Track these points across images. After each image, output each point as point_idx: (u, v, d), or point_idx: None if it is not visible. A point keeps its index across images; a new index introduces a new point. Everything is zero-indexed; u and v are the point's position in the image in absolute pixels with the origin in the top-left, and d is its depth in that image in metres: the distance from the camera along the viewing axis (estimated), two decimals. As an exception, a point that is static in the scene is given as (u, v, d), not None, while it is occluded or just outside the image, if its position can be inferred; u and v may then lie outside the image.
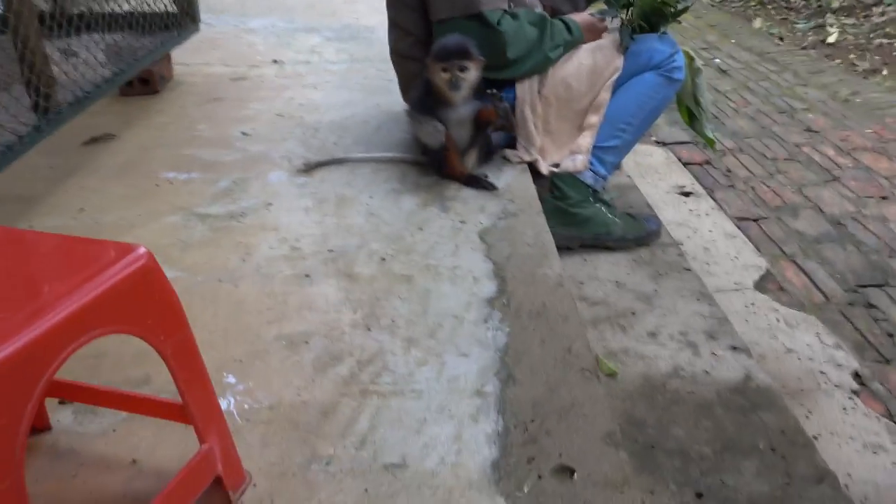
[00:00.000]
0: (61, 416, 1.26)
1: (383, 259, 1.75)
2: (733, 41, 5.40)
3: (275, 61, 3.36)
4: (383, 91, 2.90)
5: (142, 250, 0.95)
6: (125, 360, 1.39)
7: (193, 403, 1.03)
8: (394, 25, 2.30)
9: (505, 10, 2.07)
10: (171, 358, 0.99)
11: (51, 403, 1.28)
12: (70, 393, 1.23)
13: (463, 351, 1.43)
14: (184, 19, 2.94)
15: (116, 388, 1.22)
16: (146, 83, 2.83)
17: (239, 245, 1.82)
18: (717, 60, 4.94)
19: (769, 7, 6.26)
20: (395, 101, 2.69)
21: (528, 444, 1.21)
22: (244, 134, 2.51)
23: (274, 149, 2.38)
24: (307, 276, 1.69)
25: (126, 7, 2.86)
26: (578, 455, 1.20)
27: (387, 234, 1.87)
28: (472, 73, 1.98)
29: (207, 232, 1.88)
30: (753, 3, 6.42)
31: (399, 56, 2.32)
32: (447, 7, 2.05)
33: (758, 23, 5.85)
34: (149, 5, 2.88)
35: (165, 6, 2.92)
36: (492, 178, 2.13)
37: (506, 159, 2.26)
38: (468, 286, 1.65)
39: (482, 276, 1.69)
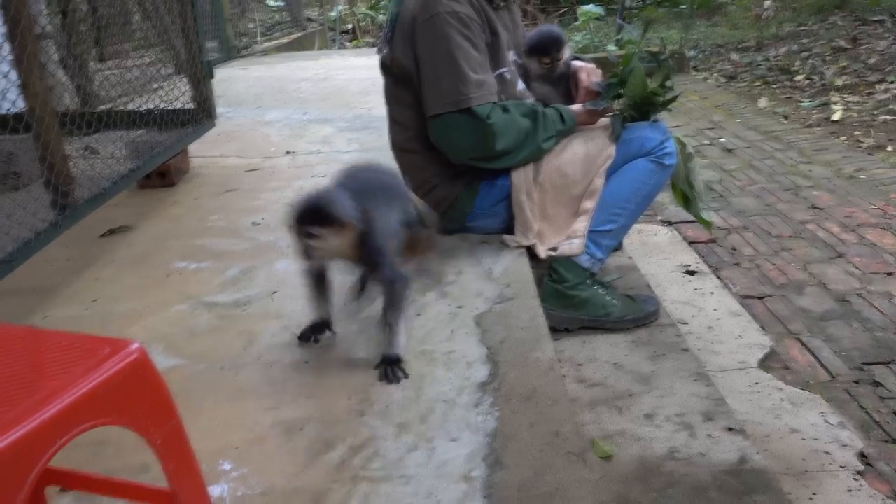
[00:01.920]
0: (61, 504, 1.31)
1: (380, 345, 1.80)
2: (739, 120, 5.52)
3: (288, 152, 3.51)
4: (390, 179, 3.00)
5: (134, 346, 1.02)
6: (125, 447, 1.43)
7: (182, 491, 1.07)
8: (392, 121, 2.43)
9: (495, 103, 2.18)
10: (160, 447, 1.03)
11: (52, 491, 1.32)
12: (69, 481, 1.27)
13: (453, 436, 1.46)
14: (201, 115, 3.10)
15: (113, 476, 1.26)
16: (163, 176, 2.97)
17: (242, 333, 1.88)
18: (723, 140, 5.04)
19: (774, 87, 6.41)
20: (400, 189, 2.80)
21: (512, 529, 1.23)
22: (254, 223, 2.61)
23: (282, 237, 2.47)
24: (306, 362, 1.74)
25: (148, 105, 3.04)
26: (563, 540, 1.21)
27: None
28: (331, 242, 1.58)
29: (213, 320, 1.95)
30: (759, 83, 6.57)
31: (399, 150, 2.43)
32: (437, 104, 2.16)
33: (763, 102, 5.98)
34: (162, 101, 3.05)
35: (184, 104, 3.09)
36: (488, 264, 2.19)
37: (504, 244, 2.32)
38: (462, 371, 1.69)
39: (476, 360, 1.73)
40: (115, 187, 2.31)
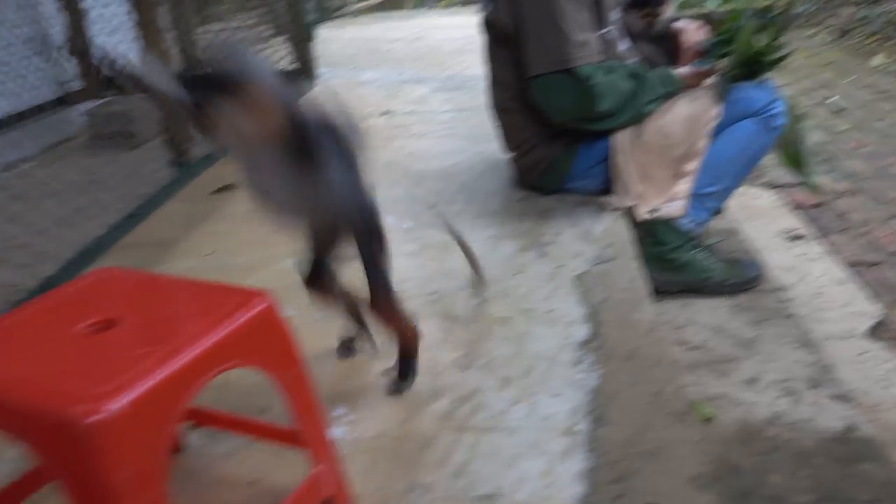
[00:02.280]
0: (192, 439, 1.41)
1: (482, 302, 1.84)
2: (850, 79, 5.23)
3: (384, 112, 3.56)
4: (487, 139, 3.01)
5: (265, 296, 1.09)
6: (247, 390, 1.53)
7: (306, 430, 1.15)
8: (492, 80, 2.43)
9: (598, 64, 2.15)
10: (286, 389, 1.11)
11: (183, 427, 1.44)
12: (200, 418, 1.38)
13: (555, 391, 1.50)
14: (302, 76, 3.19)
15: (239, 414, 1.36)
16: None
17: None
18: (833, 100, 4.80)
19: (890, 43, 6.02)
20: (497, 149, 2.81)
21: (616, 482, 1.26)
22: (356, 182, 2.68)
23: (383, 196, 2.52)
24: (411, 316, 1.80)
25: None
26: (666, 495, 1.23)
27: (486, 277, 1.96)
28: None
29: (321, 274, 2.03)
30: (873, 40, 6.19)
31: (499, 110, 2.44)
32: (539, 64, 2.15)
33: (878, 59, 5.64)
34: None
35: (284, 66, 3.19)
36: (587, 225, 2.19)
37: (602, 205, 2.31)
38: (562, 329, 1.71)
39: (576, 319, 1.75)
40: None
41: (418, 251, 2.13)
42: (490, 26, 2.33)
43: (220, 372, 0.98)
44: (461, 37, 5.27)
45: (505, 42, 2.27)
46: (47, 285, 1.56)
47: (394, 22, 6.47)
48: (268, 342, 1.08)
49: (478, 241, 2.16)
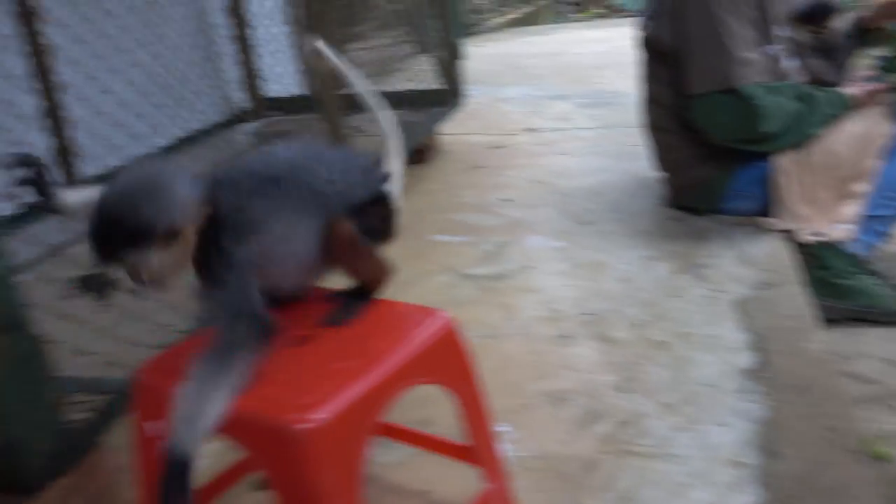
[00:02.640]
0: (362, 447, 1.49)
1: (639, 324, 1.83)
2: None
3: (528, 129, 3.60)
4: (634, 157, 2.98)
5: (446, 314, 1.14)
6: (410, 402, 1.59)
7: (481, 447, 1.19)
8: (647, 98, 2.40)
9: (763, 84, 2.08)
10: (464, 406, 1.16)
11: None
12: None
13: (721, 420, 1.47)
14: (451, 95, 3.27)
15: (408, 426, 1.42)
16: (418, 153, 3.18)
17: (502, 305, 2.00)
18: None
19: None
20: (645, 167, 2.78)
21: (791, 520, 1.22)
22: (503, 200, 2.73)
23: (531, 214, 2.57)
24: (566, 337, 1.82)
25: (396, 86, 3.26)
26: (847, 538, 1.18)
27: (641, 299, 1.94)
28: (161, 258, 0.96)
29: (474, 291, 2.09)
30: None
31: (652, 128, 2.41)
32: (701, 82, 2.12)
33: None
34: (409, 81, 3.25)
35: (430, 84, 3.28)
36: (745, 248, 2.13)
37: (761, 227, 2.23)
38: (725, 356, 1.67)
39: (739, 346, 1.70)
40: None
41: (570, 270, 2.14)
42: (649, 44, 2.31)
43: (409, 386, 1.04)
44: (601, 51, 5.23)
45: (664, 60, 2.25)
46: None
47: (532, 37, 6.51)
48: (449, 360, 1.13)
49: (630, 261, 2.15)
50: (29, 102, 2.18)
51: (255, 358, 0.98)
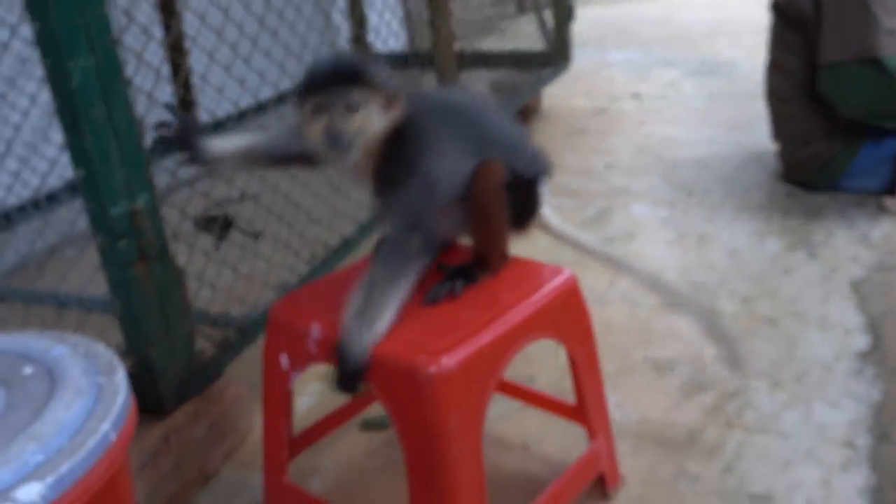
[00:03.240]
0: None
1: (746, 299, 1.80)
2: None
3: (634, 95, 3.53)
4: (745, 129, 2.90)
5: (568, 272, 1.16)
6: (515, 359, 1.63)
7: (589, 405, 1.21)
8: (773, 67, 2.32)
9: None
10: (579, 363, 1.18)
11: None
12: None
13: (831, 401, 1.44)
14: (557, 58, 3.23)
15: (513, 381, 1.45)
16: (521, 114, 3.17)
17: (606, 271, 1.99)
18: None
19: None
20: (757, 140, 2.70)
21: (904, 505, 1.20)
22: (607, 166, 2.70)
23: (635, 182, 2.54)
24: (671, 305, 1.80)
25: (500, 45, 3.25)
26: (963, 529, 1.16)
27: (750, 274, 1.91)
28: (371, 118, 1.03)
29: (577, 256, 2.08)
30: None
31: (776, 98, 2.32)
32: (838, 49, 2.02)
33: None
34: (511, 42, 3.23)
35: (532, 46, 3.25)
36: (863, 228, 2.05)
37: (882, 207, 2.14)
38: (838, 337, 1.63)
39: (854, 328, 1.65)
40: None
41: (675, 240, 2.12)
42: (782, 9, 2.22)
43: (532, 340, 1.07)
44: (713, 18, 5.04)
45: (797, 26, 2.15)
46: (345, 244, 1.76)
47: (639, 1, 6.32)
48: (570, 317, 1.15)
49: (739, 235, 2.11)
50: (158, 54, 2.28)
51: (422, 269, 1.05)
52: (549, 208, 1.31)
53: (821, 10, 2.06)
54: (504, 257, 1.19)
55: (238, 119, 2.32)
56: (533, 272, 1.17)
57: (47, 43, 1.06)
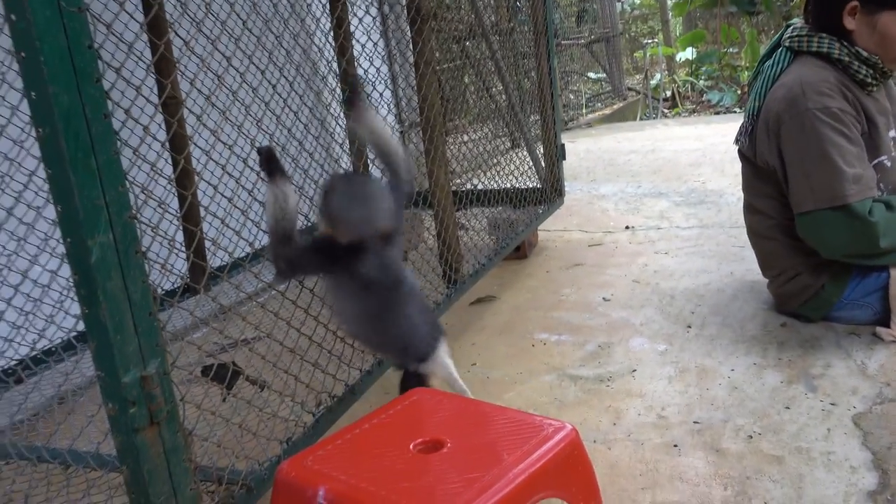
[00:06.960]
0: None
1: (750, 436, 1.80)
2: None
3: (626, 227, 3.64)
4: (736, 259, 2.98)
5: (569, 427, 1.18)
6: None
7: (600, 562, 1.19)
8: (750, 208, 2.40)
9: (877, 199, 2.07)
10: (585, 520, 1.17)
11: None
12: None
13: (845, 545, 1.42)
14: (551, 194, 3.37)
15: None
16: (517, 249, 3.27)
17: (609, 408, 2.00)
18: None
19: None
20: (748, 269, 2.78)
21: None
22: (605, 299, 2.75)
23: (633, 315, 2.58)
24: (675, 445, 1.80)
25: (497, 180, 3.38)
26: None
27: (752, 409, 1.92)
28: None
29: (579, 393, 2.10)
30: None
31: (758, 237, 2.40)
32: (809, 201, 2.10)
33: None
34: (506, 178, 3.36)
35: (525, 182, 3.39)
36: (860, 358, 2.08)
37: (877, 337, 2.18)
38: (845, 475, 1.62)
39: (860, 465, 1.65)
40: (490, 263, 2.61)
41: (676, 375, 2.13)
42: (747, 158, 2.33)
43: (537, 500, 1.07)
44: (696, 149, 5.27)
45: (766, 176, 2.26)
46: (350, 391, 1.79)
47: (626, 133, 6.61)
48: (575, 473, 1.16)
49: (738, 368, 2.13)
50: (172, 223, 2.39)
51: None
52: (449, 359, 1.69)
53: (788, 161, 2.15)
54: None
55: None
56: (534, 427, 1.18)
57: (69, 223, 1.13)
